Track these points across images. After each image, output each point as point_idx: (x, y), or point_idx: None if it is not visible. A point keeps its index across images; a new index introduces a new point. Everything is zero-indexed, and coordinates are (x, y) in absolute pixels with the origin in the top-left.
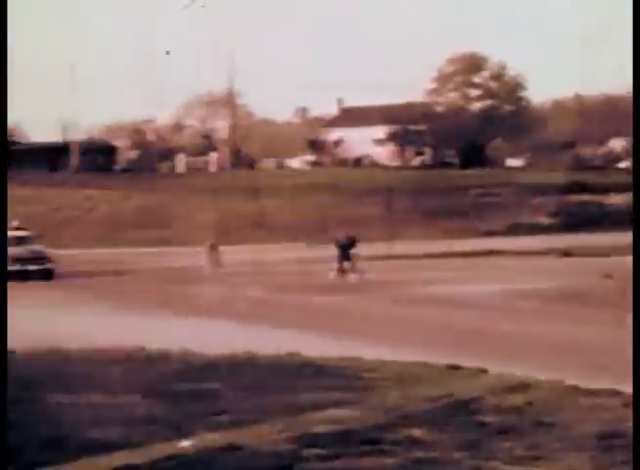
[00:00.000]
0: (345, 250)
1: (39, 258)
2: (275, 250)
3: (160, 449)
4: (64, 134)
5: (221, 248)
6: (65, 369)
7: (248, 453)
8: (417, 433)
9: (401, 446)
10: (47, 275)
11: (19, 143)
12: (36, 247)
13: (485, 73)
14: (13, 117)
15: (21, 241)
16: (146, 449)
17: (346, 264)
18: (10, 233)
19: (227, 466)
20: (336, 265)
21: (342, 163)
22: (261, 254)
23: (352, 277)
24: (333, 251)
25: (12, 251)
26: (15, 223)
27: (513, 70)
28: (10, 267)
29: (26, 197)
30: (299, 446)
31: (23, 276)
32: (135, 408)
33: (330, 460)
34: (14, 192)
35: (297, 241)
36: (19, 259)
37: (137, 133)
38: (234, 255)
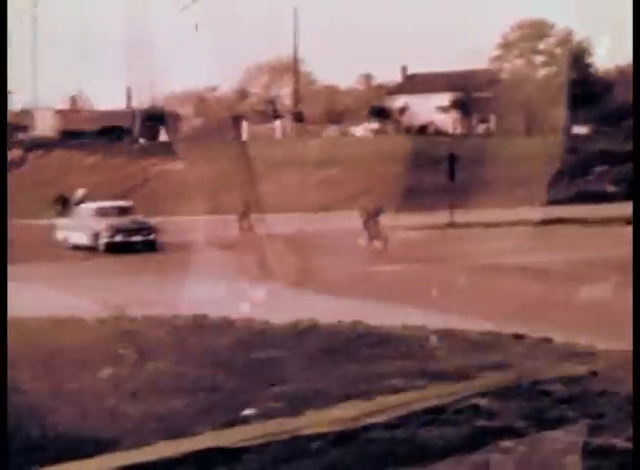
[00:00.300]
0: (372, 217)
1: (143, 229)
2: (328, 218)
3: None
4: (127, 102)
5: (274, 216)
6: (130, 336)
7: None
8: (481, 402)
9: (464, 414)
10: (151, 246)
11: (80, 110)
12: (139, 217)
13: (551, 40)
14: (77, 85)
15: (123, 211)
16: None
17: (373, 231)
18: (111, 203)
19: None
20: (365, 233)
21: (407, 130)
22: (315, 222)
23: (377, 244)
24: (388, 219)
25: (114, 221)
26: (81, 192)
27: (579, 37)
28: (114, 239)
29: (90, 166)
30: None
31: (127, 248)
32: (198, 377)
33: (393, 429)
34: (78, 161)
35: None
36: (122, 231)
37: (201, 101)
38: (282, 222)
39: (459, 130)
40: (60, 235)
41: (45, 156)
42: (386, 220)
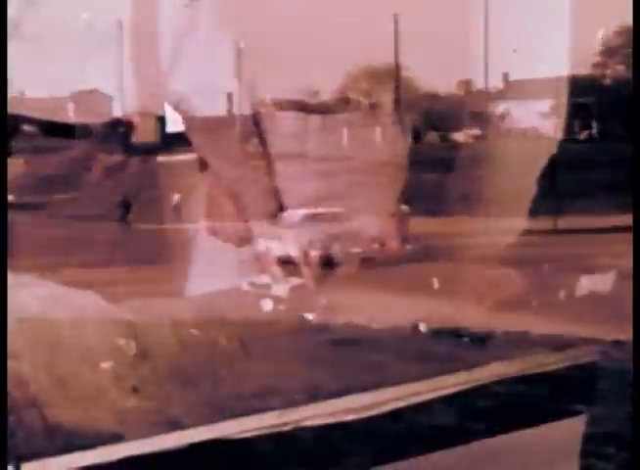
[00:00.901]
0: (402, 221)
1: (363, 240)
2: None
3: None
4: (229, 107)
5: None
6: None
7: (409, 425)
8: (581, 408)
9: (566, 418)
10: (368, 260)
11: (182, 116)
12: (355, 224)
13: None
14: (179, 89)
15: (335, 218)
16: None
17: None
18: (322, 209)
19: (388, 435)
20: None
21: (508, 136)
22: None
23: (408, 247)
24: (483, 223)
25: (328, 230)
26: (177, 197)
27: None
28: (329, 250)
29: (187, 170)
30: (463, 419)
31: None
32: (297, 378)
33: (494, 434)
34: (178, 165)
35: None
36: (338, 241)
37: (300, 106)
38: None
39: (561, 136)
40: (260, 245)
41: (146, 161)
42: (480, 224)
